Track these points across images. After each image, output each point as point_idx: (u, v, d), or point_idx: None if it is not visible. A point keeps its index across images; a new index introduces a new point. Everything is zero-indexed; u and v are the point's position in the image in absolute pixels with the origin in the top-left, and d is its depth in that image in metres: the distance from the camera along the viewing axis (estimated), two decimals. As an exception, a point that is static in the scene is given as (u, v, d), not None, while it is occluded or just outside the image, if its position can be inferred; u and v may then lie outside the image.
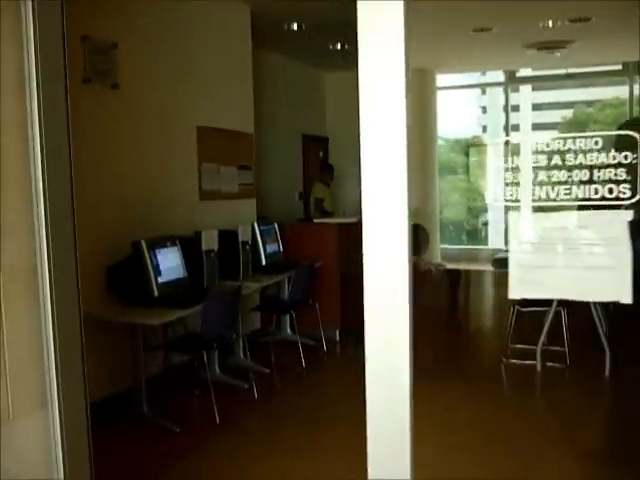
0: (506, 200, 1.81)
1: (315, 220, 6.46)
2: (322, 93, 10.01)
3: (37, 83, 2.27)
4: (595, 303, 5.05)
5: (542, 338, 5.25)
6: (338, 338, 6.26)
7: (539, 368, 5.27)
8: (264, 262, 5.68)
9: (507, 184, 1.81)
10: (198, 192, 5.59)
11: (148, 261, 4.28)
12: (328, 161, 9.70)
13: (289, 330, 6.19)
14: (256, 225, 5.68)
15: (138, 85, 4.86)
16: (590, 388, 4.95)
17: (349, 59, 8.97)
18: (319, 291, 5.99)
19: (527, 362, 5.44)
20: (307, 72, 9.51)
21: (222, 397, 4.42)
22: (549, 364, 5.29)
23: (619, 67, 10.34)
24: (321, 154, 9.87)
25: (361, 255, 1.81)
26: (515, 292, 1.87)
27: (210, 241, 4.92)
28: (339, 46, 8.02)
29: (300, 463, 3.70)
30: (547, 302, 5.26)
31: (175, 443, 4.02)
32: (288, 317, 6.12)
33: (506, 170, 1.81)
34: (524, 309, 5.59)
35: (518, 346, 5.71)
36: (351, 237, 6.97)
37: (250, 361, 5.33)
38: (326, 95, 10.05)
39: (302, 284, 5.71)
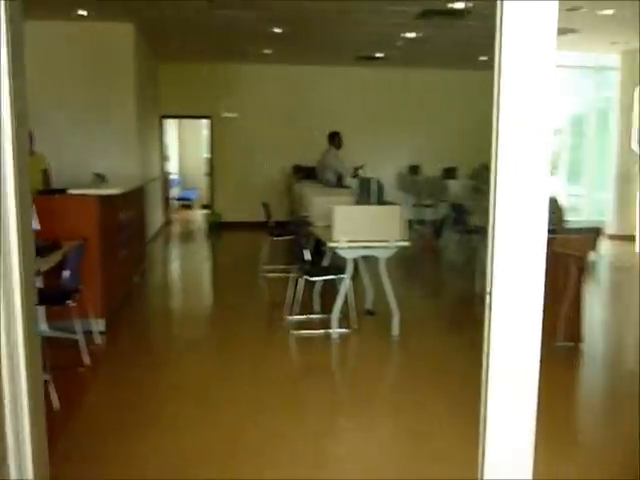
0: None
1: (70, 191, 5.37)
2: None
3: None
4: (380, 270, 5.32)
5: (338, 306, 5.34)
6: (104, 329, 5.38)
7: (336, 336, 5.35)
8: (25, 243, 4.51)
9: None
10: None
11: None
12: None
13: (44, 325, 5.08)
14: (13, 196, 4.46)
15: None
16: (387, 345, 5.23)
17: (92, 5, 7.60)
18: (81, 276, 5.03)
19: (319, 332, 5.48)
20: None
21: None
22: (342, 330, 5.41)
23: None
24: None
25: (124, 232, 1.60)
26: None
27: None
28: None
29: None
30: (341, 270, 5.37)
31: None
32: (43, 309, 5.02)
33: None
34: (312, 278, 5.62)
35: (297, 317, 5.73)
36: (112, 212, 6.09)
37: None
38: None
39: (76, 268, 4.73)
